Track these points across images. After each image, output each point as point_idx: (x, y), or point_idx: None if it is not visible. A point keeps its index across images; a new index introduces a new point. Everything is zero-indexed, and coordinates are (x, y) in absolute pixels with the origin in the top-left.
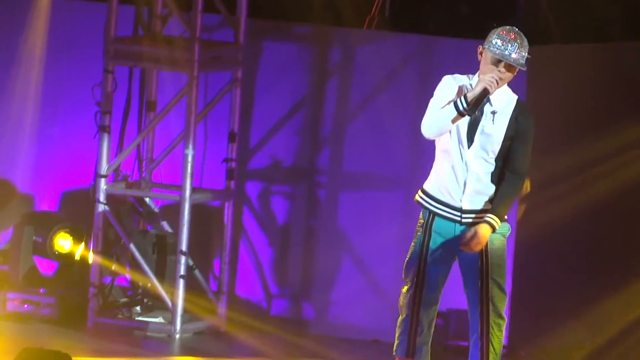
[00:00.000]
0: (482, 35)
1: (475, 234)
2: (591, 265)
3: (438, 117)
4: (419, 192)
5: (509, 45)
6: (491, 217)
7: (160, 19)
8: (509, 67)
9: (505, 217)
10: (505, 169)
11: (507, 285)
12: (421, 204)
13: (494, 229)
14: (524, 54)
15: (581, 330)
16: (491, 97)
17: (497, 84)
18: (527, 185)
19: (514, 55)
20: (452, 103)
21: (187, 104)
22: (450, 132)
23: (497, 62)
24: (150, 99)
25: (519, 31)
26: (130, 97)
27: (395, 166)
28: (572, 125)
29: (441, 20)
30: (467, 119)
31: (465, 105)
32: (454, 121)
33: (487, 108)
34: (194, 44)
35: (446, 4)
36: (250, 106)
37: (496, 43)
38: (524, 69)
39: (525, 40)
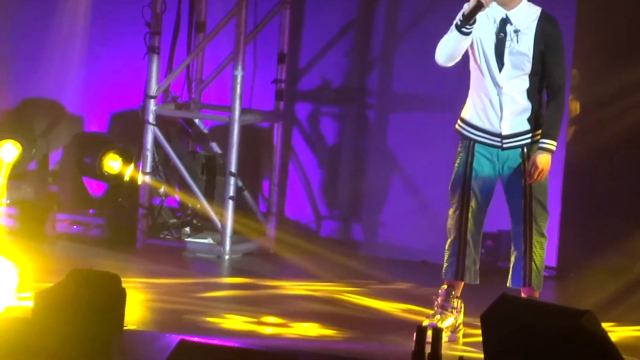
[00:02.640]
0: None
1: (536, 165)
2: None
3: (443, 42)
4: (458, 121)
5: None
6: (546, 142)
7: None
8: None
9: None
10: (543, 85)
11: (557, 207)
12: (461, 133)
13: (552, 152)
14: None
15: (630, 253)
16: (510, 16)
17: None
18: (576, 107)
19: None
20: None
21: (236, 24)
22: (479, 58)
23: None
24: (200, 19)
25: None
26: (179, 17)
27: (444, 87)
28: (622, 46)
29: None
30: (492, 43)
31: (460, 20)
32: (457, 41)
33: (509, 28)
34: None
35: None
36: (300, 27)
37: None
38: None
39: None
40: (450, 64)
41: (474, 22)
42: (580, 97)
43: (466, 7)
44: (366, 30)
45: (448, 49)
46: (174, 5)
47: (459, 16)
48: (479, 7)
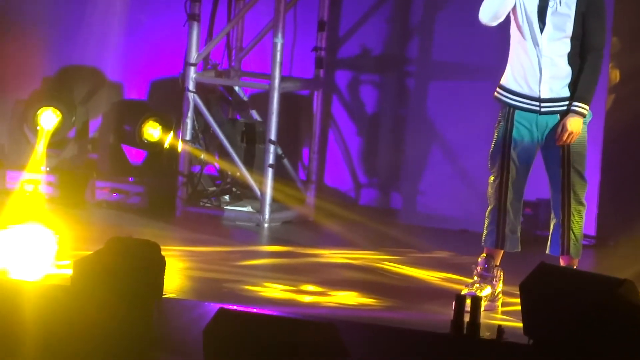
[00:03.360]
0: None
1: (565, 127)
2: None
3: (486, 0)
4: (497, 88)
5: None
6: (578, 105)
7: None
8: None
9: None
10: (581, 48)
11: (596, 176)
12: (499, 100)
13: (583, 116)
14: None
15: None
16: None
17: None
18: (616, 75)
19: None
20: None
21: None
22: (521, 19)
23: None
24: None
25: None
26: None
27: (485, 55)
28: None
29: None
30: (535, 3)
31: None
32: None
33: None
34: None
35: None
36: None
37: None
38: None
39: None
40: (494, 23)
41: None
42: (619, 65)
43: None
44: None
45: (492, 5)
46: None
47: None
48: None
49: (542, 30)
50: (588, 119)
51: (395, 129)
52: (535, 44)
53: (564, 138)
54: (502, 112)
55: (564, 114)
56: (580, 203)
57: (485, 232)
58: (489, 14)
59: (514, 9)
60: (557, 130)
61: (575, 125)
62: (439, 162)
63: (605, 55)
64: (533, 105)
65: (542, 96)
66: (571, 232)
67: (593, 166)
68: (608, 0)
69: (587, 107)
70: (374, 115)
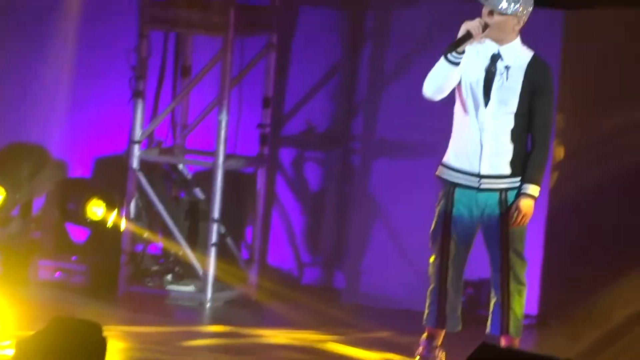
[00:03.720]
0: None
1: (519, 209)
2: (625, 235)
3: (431, 72)
4: (439, 166)
5: None
6: (529, 187)
7: None
8: (498, 14)
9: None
10: (529, 126)
11: (539, 254)
12: (440, 177)
13: (535, 198)
14: (503, 2)
15: (615, 301)
16: (502, 52)
17: (483, 27)
18: (560, 152)
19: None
20: None
21: (221, 69)
22: (465, 93)
23: (485, 8)
24: (185, 64)
25: None
26: (164, 62)
27: (429, 133)
28: (607, 90)
29: None
30: (481, 77)
31: (447, 49)
32: (445, 71)
33: (500, 64)
34: (230, 7)
35: None
36: (285, 71)
37: None
38: (492, 7)
39: None
40: (437, 98)
41: (463, 53)
42: (564, 141)
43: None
44: (351, 74)
45: (436, 79)
46: (159, 50)
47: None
48: (468, 36)
49: (486, 104)
50: None
51: (339, 207)
52: (479, 118)
53: (518, 220)
54: (443, 190)
55: (504, 191)
56: (520, 282)
57: (426, 311)
58: (432, 88)
59: (458, 83)
60: (510, 211)
61: (528, 207)
62: (382, 240)
63: (552, 133)
64: (472, 181)
65: (482, 172)
66: (511, 311)
67: (536, 243)
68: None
69: (538, 189)
70: (318, 192)
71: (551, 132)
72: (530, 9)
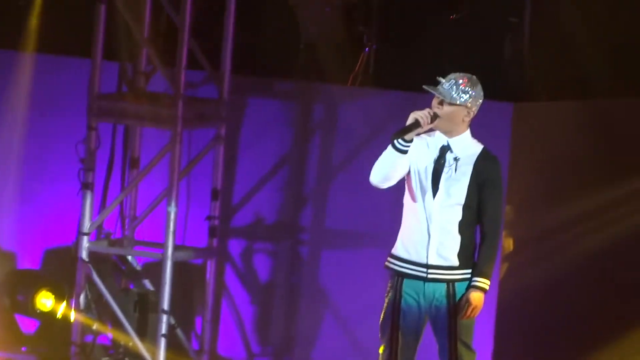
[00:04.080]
0: None
1: (469, 302)
2: (575, 325)
3: (379, 160)
4: (388, 257)
5: (446, 80)
6: (479, 281)
7: (144, 76)
8: (448, 105)
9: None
10: (477, 221)
11: (489, 345)
12: (389, 268)
13: (485, 291)
14: (455, 88)
15: None
16: (452, 144)
17: (432, 117)
18: (509, 244)
19: (444, 87)
20: None
21: (170, 161)
22: (414, 183)
23: (435, 98)
24: (134, 155)
25: (467, 75)
26: (113, 153)
27: (378, 223)
28: (555, 182)
29: (425, 76)
30: (430, 169)
31: (394, 135)
32: (391, 159)
33: (449, 156)
34: (178, 100)
35: (430, 61)
36: (234, 163)
37: (440, 80)
38: (442, 96)
39: (470, 80)
40: (384, 186)
41: (411, 141)
42: (513, 233)
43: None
44: (300, 165)
45: (383, 166)
46: (107, 141)
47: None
48: (415, 125)
49: (434, 195)
50: None
51: (288, 297)
52: (427, 209)
53: (468, 312)
54: (391, 281)
55: (451, 282)
56: None
57: None
58: (379, 175)
59: (408, 174)
60: (461, 304)
61: (478, 300)
62: (332, 330)
63: (501, 226)
64: (420, 271)
65: (430, 262)
66: None
67: (486, 335)
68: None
69: (488, 282)
70: (268, 283)
71: (501, 225)
72: (481, 101)
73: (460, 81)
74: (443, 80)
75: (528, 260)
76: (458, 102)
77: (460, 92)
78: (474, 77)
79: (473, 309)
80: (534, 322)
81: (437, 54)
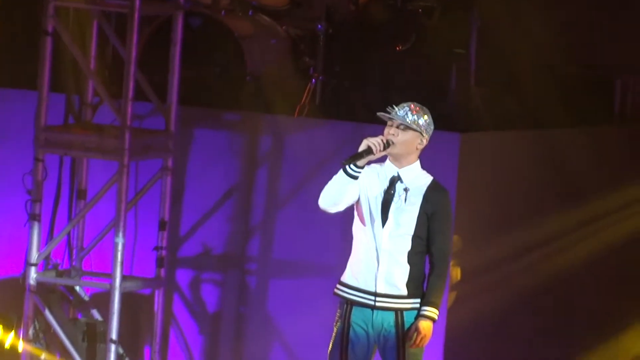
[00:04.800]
0: None
1: (418, 330)
2: (522, 354)
3: (329, 185)
4: (337, 284)
5: (399, 107)
6: (428, 310)
7: (91, 107)
8: (401, 128)
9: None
10: (426, 251)
11: None
12: (338, 295)
13: (434, 321)
14: (410, 115)
15: None
16: (402, 174)
17: (385, 144)
18: (457, 273)
19: (399, 113)
20: None
21: (117, 191)
22: (364, 211)
23: (388, 127)
24: (81, 187)
25: (418, 104)
26: (60, 185)
27: (325, 254)
28: (503, 212)
29: (372, 107)
30: (380, 198)
31: (346, 160)
32: (342, 184)
33: (399, 186)
34: (125, 132)
35: (377, 91)
36: (181, 193)
37: (389, 109)
38: (401, 120)
39: (422, 109)
40: (333, 210)
41: (362, 168)
42: (461, 263)
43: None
44: (247, 196)
45: (333, 190)
46: (54, 173)
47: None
48: (368, 151)
49: (383, 224)
50: None
51: (236, 327)
52: (376, 238)
53: (417, 341)
54: (340, 310)
55: (399, 311)
56: None
57: None
58: (328, 200)
59: (357, 203)
60: (410, 332)
61: (427, 329)
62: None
63: (450, 256)
64: (368, 299)
65: (378, 290)
66: None
67: None
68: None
69: (437, 312)
70: (216, 313)
71: (449, 256)
72: (432, 130)
73: (414, 109)
74: (396, 108)
75: (476, 289)
76: (415, 128)
77: (414, 118)
78: (425, 107)
79: (422, 338)
80: (483, 351)
81: (384, 84)
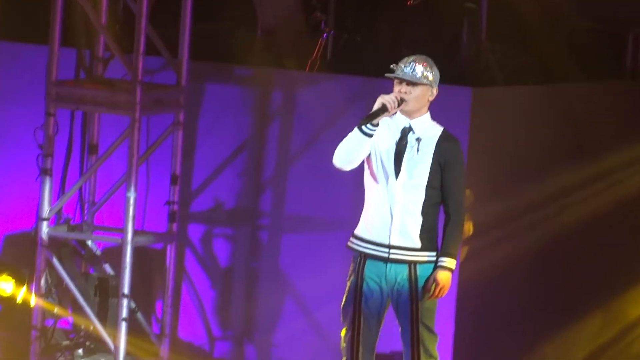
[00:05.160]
0: None
1: (437, 281)
2: (534, 308)
3: (342, 143)
4: (350, 237)
5: (404, 64)
6: (446, 261)
7: (102, 62)
8: (411, 84)
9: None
10: (440, 202)
11: (450, 328)
12: (351, 248)
13: (452, 271)
14: (418, 70)
15: None
16: (413, 125)
17: (399, 102)
18: (469, 227)
19: (406, 70)
20: None
21: (129, 146)
22: (375, 165)
23: (398, 84)
24: (92, 141)
25: (422, 57)
26: (72, 139)
27: (337, 208)
28: (515, 167)
29: (383, 62)
30: (392, 150)
31: (362, 120)
32: (357, 142)
33: (411, 136)
34: (136, 86)
35: (388, 46)
36: (193, 148)
37: (393, 67)
38: (408, 79)
39: (427, 60)
40: (348, 168)
41: (377, 125)
42: (473, 217)
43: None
44: (259, 151)
45: (348, 149)
46: (66, 127)
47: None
48: (383, 109)
49: (396, 176)
50: None
51: (248, 282)
52: (389, 190)
53: (436, 292)
54: (353, 264)
55: (413, 264)
56: (431, 356)
57: None
58: (344, 158)
59: (368, 157)
60: (428, 283)
61: (445, 279)
62: (293, 314)
63: (464, 206)
64: (382, 252)
65: (392, 243)
66: None
67: (447, 318)
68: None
69: (454, 262)
70: (228, 268)
71: (463, 205)
72: (439, 79)
73: (419, 62)
74: (402, 65)
75: (488, 243)
76: (425, 82)
77: (422, 72)
78: (429, 58)
79: (441, 289)
80: (495, 305)
81: (395, 39)
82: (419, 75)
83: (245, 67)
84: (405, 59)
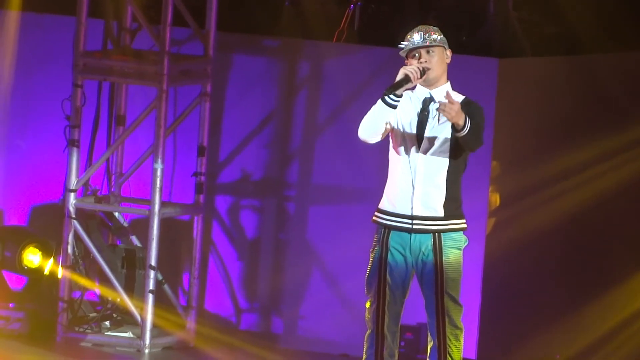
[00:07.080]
0: (450, 47)
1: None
2: (561, 279)
3: (367, 115)
4: (375, 212)
5: (412, 34)
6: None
7: (130, 33)
8: (427, 52)
9: (464, 225)
10: (463, 170)
11: (477, 299)
12: (376, 222)
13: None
14: (428, 35)
15: (551, 343)
16: (434, 94)
17: (421, 72)
18: (496, 199)
19: (416, 39)
20: None
21: (156, 117)
22: (398, 138)
23: (413, 56)
24: (120, 113)
25: (421, 25)
26: (99, 111)
27: (364, 179)
28: (542, 138)
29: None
30: (414, 121)
31: (386, 91)
32: (381, 113)
33: (432, 106)
34: (163, 57)
35: (415, 17)
36: (220, 120)
37: (403, 45)
38: (423, 43)
39: (429, 26)
40: (373, 140)
41: (401, 96)
42: (499, 189)
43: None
44: (286, 122)
45: (373, 121)
46: (93, 99)
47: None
48: (406, 79)
49: (419, 146)
50: (463, 245)
51: (275, 253)
52: (411, 160)
53: (447, 109)
54: (377, 235)
55: (437, 233)
56: (456, 327)
57: (364, 356)
58: (369, 130)
59: (392, 129)
60: (440, 106)
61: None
62: (319, 285)
63: (484, 179)
64: (406, 223)
65: (415, 213)
66: (448, 355)
67: (474, 289)
68: (487, 130)
69: (468, 122)
70: (254, 239)
71: (483, 127)
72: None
73: (425, 29)
74: (410, 38)
75: (514, 215)
76: (438, 44)
77: (432, 35)
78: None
79: (450, 105)
80: (522, 276)
81: (422, 10)
82: (430, 40)
83: (272, 37)
84: (409, 33)
